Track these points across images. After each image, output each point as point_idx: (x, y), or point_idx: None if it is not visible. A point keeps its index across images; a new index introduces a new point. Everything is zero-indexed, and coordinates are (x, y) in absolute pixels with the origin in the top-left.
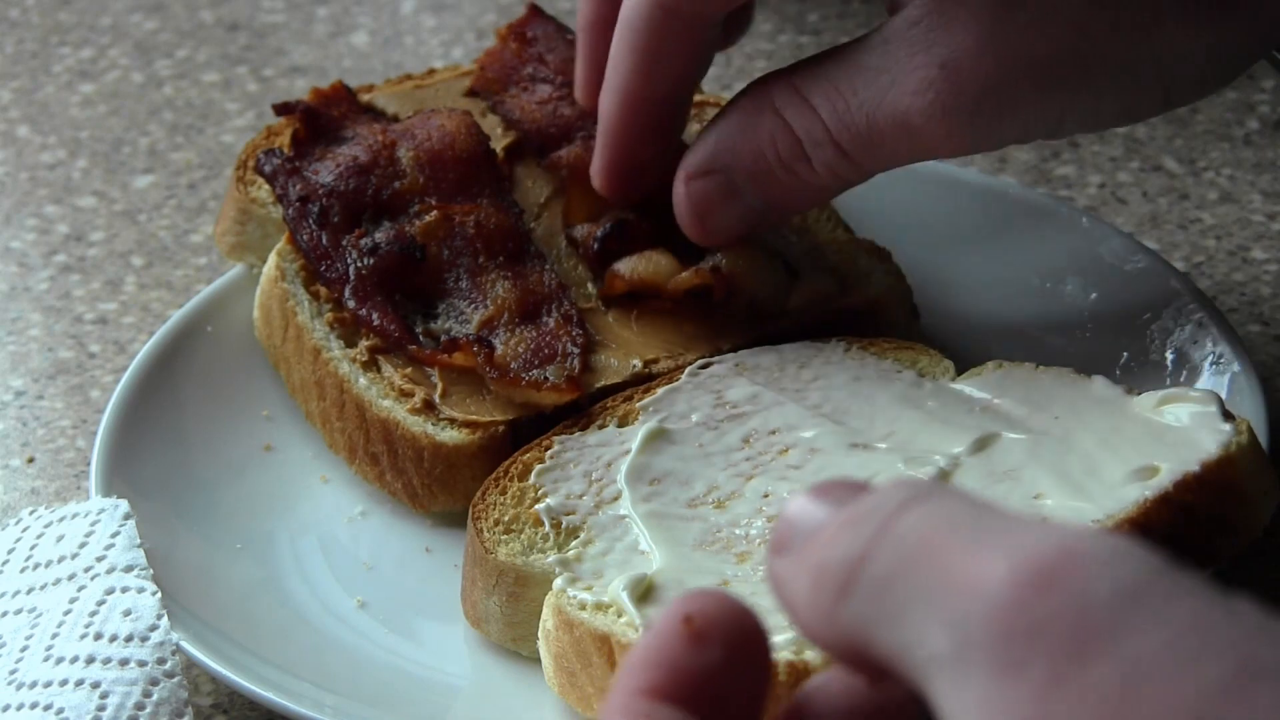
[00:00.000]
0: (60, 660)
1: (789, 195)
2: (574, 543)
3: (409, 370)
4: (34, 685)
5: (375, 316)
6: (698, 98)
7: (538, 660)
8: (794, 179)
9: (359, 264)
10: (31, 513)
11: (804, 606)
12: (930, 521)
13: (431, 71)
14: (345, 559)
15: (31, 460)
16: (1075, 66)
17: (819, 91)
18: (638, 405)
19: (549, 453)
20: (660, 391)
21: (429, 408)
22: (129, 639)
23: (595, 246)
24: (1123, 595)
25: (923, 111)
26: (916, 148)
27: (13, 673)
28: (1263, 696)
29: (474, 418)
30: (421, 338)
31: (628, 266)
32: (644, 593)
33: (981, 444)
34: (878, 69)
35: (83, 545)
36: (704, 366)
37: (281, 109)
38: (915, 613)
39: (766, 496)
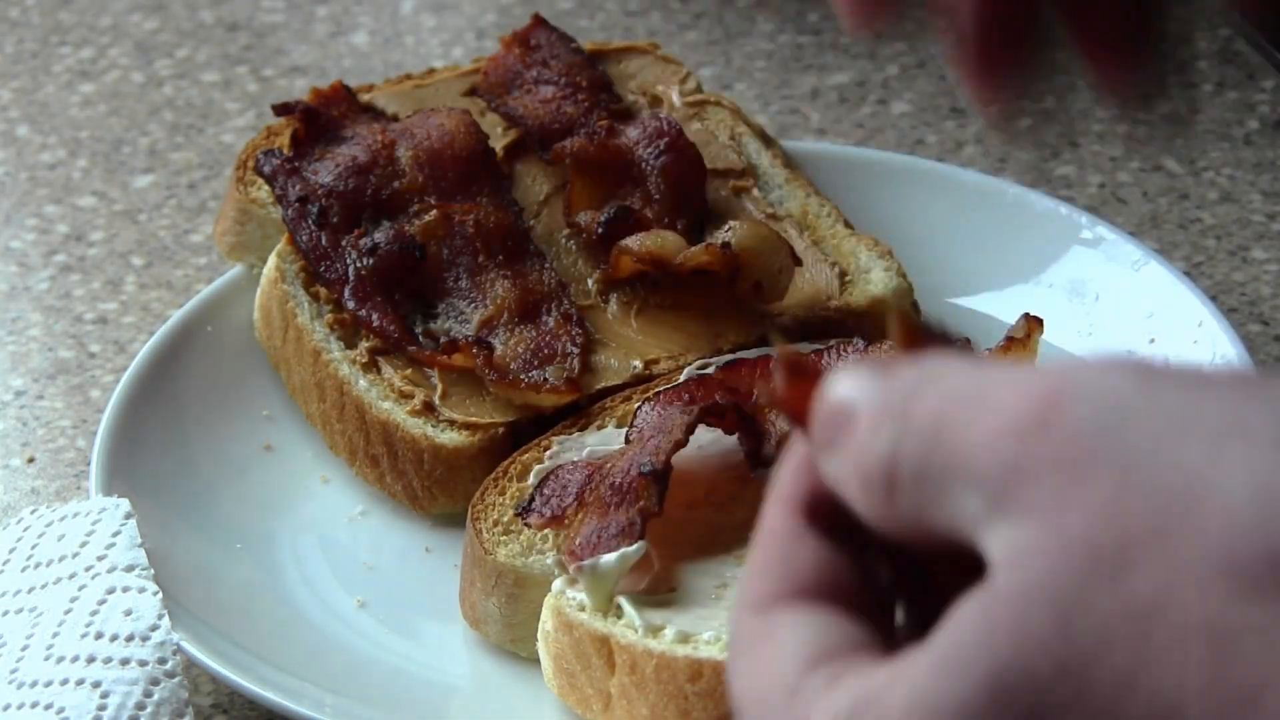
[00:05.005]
0: (61, 659)
1: None
2: None
3: (409, 371)
4: (34, 684)
5: (375, 317)
6: (698, 97)
7: (537, 661)
8: None
9: (358, 264)
10: (32, 512)
11: (865, 508)
12: (938, 402)
13: (431, 71)
14: (345, 559)
15: (31, 460)
16: None
17: None
18: (636, 405)
19: (548, 453)
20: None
21: (429, 409)
22: (130, 638)
23: (599, 230)
24: (1107, 413)
25: None
26: None
27: (13, 672)
28: (1244, 456)
29: (474, 419)
30: (421, 338)
31: (636, 241)
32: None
33: None
34: None
35: (83, 544)
36: (704, 367)
37: (281, 109)
38: (951, 488)
39: (765, 498)
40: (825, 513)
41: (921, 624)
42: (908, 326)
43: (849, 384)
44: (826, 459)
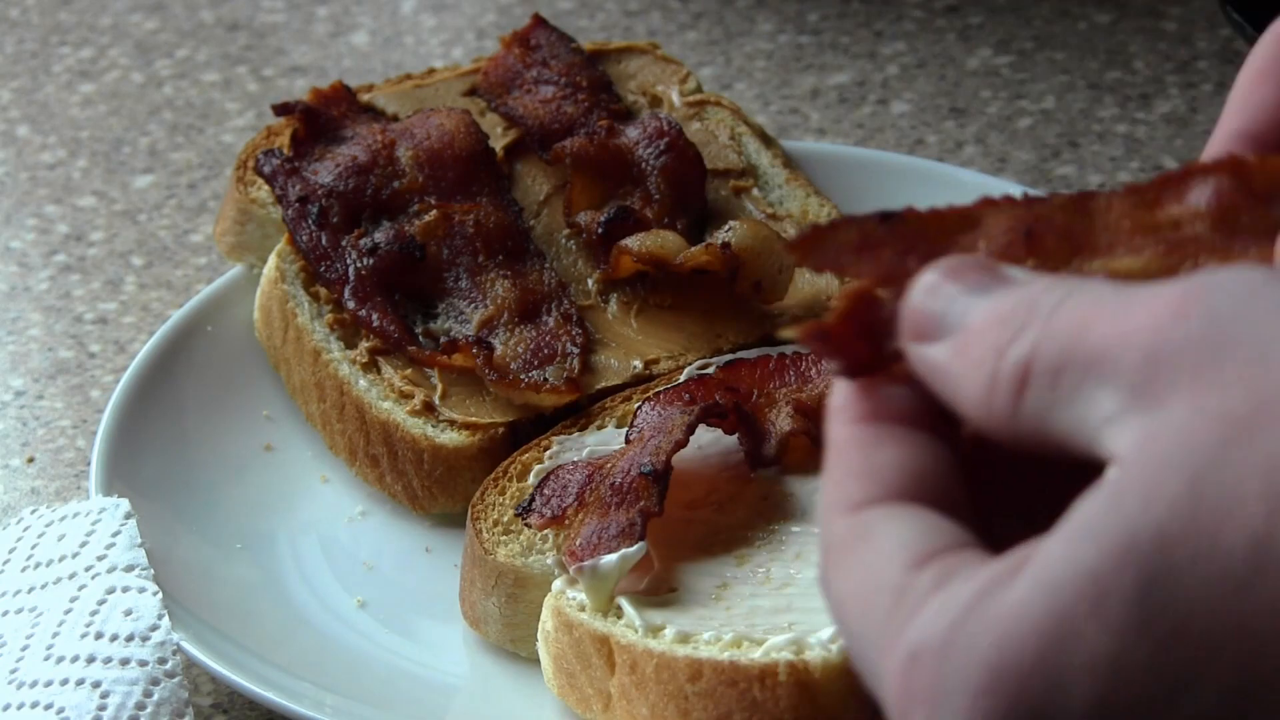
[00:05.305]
0: (61, 659)
1: None
2: None
3: (409, 371)
4: (35, 684)
5: (375, 317)
6: (698, 97)
7: (537, 661)
8: None
9: (359, 264)
10: (32, 512)
11: (977, 407)
12: (1081, 308)
13: (431, 71)
14: (345, 559)
15: (31, 460)
16: None
17: None
18: (636, 405)
19: (548, 453)
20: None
21: (429, 409)
22: (130, 638)
23: (599, 231)
24: (1242, 302)
25: None
26: None
27: (13, 672)
28: None
29: (474, 419)
30: (421, 338)
31: (636, 242)
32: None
33: None
34: None
35: (83, 544)
36: (704, 367)
37: (281, 109)
38: (1084, 387)
39: (765, 498)
40: (901, 419)
41: (1011, 533)
42: (857, 238)
43: (949, 279)
44: (924, 347)
